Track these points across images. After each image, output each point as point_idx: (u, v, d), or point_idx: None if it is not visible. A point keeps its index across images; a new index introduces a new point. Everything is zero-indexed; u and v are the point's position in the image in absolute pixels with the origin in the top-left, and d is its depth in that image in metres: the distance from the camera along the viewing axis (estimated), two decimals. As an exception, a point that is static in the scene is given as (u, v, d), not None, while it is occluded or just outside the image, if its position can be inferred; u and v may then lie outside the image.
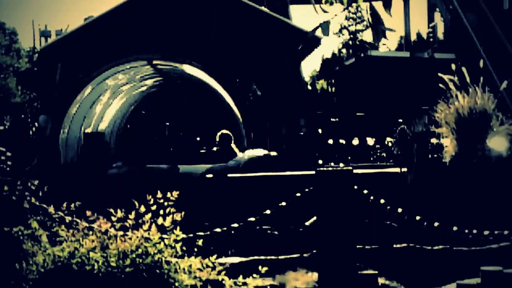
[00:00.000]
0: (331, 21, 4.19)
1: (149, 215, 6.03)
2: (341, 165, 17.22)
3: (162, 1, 24.23)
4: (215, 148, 18.09)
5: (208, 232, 6.89)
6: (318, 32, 4.10)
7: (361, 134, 25.29)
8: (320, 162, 19.35)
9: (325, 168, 6.95)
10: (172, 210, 6.09)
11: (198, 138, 29.38)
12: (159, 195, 6.07)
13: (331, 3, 4.43)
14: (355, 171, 6.97)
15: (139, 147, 26.98)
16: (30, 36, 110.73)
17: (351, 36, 43.46)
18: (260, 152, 18.11)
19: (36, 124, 27.06)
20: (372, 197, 7.14)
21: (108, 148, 22.86)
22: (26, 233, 6.13)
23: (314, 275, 6.80)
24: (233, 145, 17.28)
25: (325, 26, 4.23)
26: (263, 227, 9.59)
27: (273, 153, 17.62)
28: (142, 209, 6.03)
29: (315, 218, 7.02)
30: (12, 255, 5.96)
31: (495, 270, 6.19)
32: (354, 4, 4.55)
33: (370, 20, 4.32)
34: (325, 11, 4.42)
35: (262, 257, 7.70)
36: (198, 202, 6.32)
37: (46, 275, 5.77)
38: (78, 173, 15.68)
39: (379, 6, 4.50)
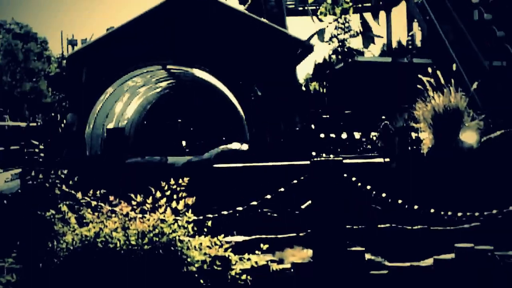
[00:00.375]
0: (326, 29, 4.21)
1: (164, 199, 6.05)
2: (332, 156, 17.22)
3: (175, 12, 24.20)
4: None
5: (216, 215, 6.90)
6: (314, 39, 4.11)
7: (349, 129, 25.24)
8: (314, 153, 19.32)
9: (318, 159, 6.96)
10: (184, 194, 6.12)
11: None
12: (166, 182, 6.11)
13: (325, 14, 4.44)
14: (344, 161, 6.97)
15: (152, 141, 27.07)
16: (59, 44, 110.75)
17: (340, 43, 43.36)
18: (235, 146, 18.19)
19: (65, 121, 27.07)
20: (359, 184, 7.15)
21: (127, 142, 22.87)
22: (57, 216, 6.15)
23: (309, 252, 6.80)
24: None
25: (321, 33, 4.25)
26: (264, 210, 9.59)
27: (245, 147, 17.63)
28: (158, 194, 6.05)
29: (309, 202, 7.01)
30: (45, 235, 5.97)
31: (467, 247, 6.20)
32: (343, 16, 4.56)
33: (361, 28, 4.33)
34: (320, 20, 4.44)
35: (263, 236, 7.71)
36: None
37: (74, 252, 5.79)
38: (102, 164, 15.67)
39: (367, 16, 4.51)
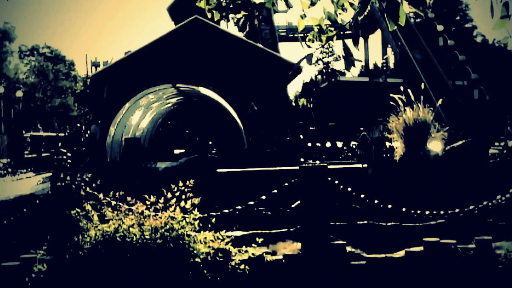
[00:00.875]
0: (314, 53, 4.22)
1: (174, 199, 6.04)
2: (318, 162, 17.21)
3: (183, 39, 24.25)
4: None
5: (219, 213, 6.88)
6: (303, 62, 4.11)
7: (333, 139, 25.25)
8: (302, 160, 19.31)
9: (306, 165, 6.95)
10: (190, 195, 6.11)
11: (210, 142, 29.38)
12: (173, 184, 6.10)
13: (313, 41, 4.43)
14: (328, 166, 6.97)
15: (163, 149, 27.05)
16: (84, 66, 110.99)
17: (325, 65, 43.52)
18: (202, 155, 18.28)
19: (89, 131, 27.07)
20: (341, 186, 7.14)
21: (142, 149, 22.83)
22: (82, 214, 6.13)
23: (298, 245, 6.79)
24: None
25: (309, 57, 4.24)
26: (260, 208, 9.56)
27: (213, 156, 17.62)
28: (168, 195, 6.05)
29: (298, 202, 6.99)
30: (72, 230, 5.95)
31: (433, 241, 6.20)
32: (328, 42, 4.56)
33: (343, 53, 4.33)
34: (309, 46, 4.43)
35: (259, 231, 7.69)
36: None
37: (97, 245, 5.77)
38: (121, 168, 15.63)
39: (348, 42, 4.54)
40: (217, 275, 5.73)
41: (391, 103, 12.86)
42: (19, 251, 6.20)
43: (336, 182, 7.03)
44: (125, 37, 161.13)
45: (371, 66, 50.43)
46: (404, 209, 7.18)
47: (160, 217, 5.92)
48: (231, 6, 4.83)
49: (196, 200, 6.09)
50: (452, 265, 6.07)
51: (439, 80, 32.55)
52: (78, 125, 32.60)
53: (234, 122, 25.01)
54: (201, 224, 6.09)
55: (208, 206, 6.73)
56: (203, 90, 25.13)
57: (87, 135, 26.65)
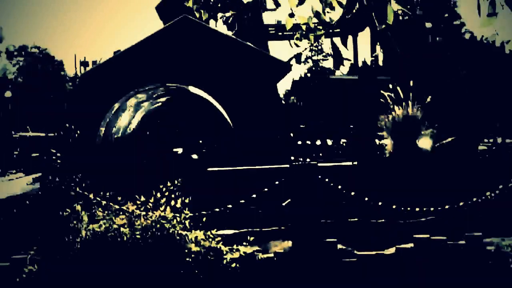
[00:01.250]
0: (302, 53, 4.24)
1: (164, 199, 6.04)
2: (308, 160, 17.22)
3: (173, 37, 24.18)
4: None
5: (210, 211, 6.89)
6: (292, 61, 4.14)
7: (323, 136, 25.22)
8: (292, 158, 19.31)
9: (296, 163, 6.96)
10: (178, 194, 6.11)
11: (200, 141, 29.34)
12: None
13: (301, 39, 4.46)
14: (318, 164, 6.98)
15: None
16: (73, 65, 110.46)
17: (314, 63, 43.63)
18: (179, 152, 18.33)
19: (78, 132, 26.97)
20: (331, 184, 7.16)
21: (132, 149, 22.77)
22: (72, 214, 6.11)
23: (289, 243, 6.80)
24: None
25: (298, 57, 4.28)
26: (251, 207, 9.56)
27: (195, 156, 17.65)
28: (158, 195, 6.05)
29: (289, 200, 7.01)
30: (62, 231, 5.94)
31: (424, 237, 6.23)
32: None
33: (332, 52, 4.35)
34: (297, 46, 4.46)
35: (250, 230, 7.70)
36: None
37: (87, 245, 5.76)
38: (110, 168, 15.59)
39: (337, 41, 4.56)
40: (209, 274, 5.73)
41: (381, 100, 12.89)
42: (9, 251, 6.18)
43: (327, 179, 7.05)
44: (114, 37, 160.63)
45: (360, 64, 50.51)
46: (394, 206, 7.21)
47: (151, 217, 5.92)
48: (219, 5, 4.84)
49: (186, 199, 6.09)
50: (442, 261, 6.10)
51: (428, 77, 32.66)
52: (67, 125, 32.45)
53: (224, 121, 24.99)
54: (192, 223, 6.09)
55: (199, 204, 6.73)
56: (193, 89, 25.09)
57: (76, 136, 26.56)
